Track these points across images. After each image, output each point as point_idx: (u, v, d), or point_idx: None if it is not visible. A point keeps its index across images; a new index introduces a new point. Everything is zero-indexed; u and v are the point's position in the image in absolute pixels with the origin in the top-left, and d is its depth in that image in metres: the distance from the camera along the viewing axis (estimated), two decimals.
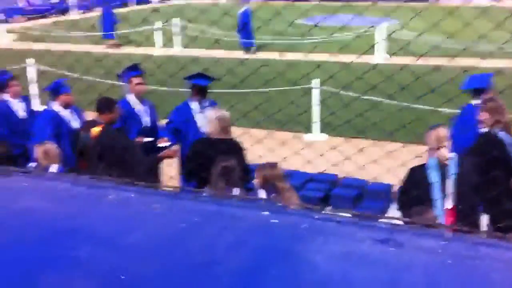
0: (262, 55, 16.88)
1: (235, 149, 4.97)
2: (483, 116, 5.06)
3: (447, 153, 4.41)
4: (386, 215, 5.43)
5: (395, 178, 4.90)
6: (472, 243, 1.81)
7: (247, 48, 17.73)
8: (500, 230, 4.04)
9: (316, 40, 16.85)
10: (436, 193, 4.33)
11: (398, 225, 1.99)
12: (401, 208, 4.63)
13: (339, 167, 6.32)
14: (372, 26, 17.10)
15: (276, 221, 2.09)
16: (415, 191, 4.22)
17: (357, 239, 1.93)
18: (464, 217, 4.08)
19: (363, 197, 5.91)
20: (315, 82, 10.03)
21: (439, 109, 7.59)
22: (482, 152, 4.65)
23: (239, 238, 2.03)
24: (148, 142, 5.69)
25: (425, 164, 4.46)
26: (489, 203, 4.51)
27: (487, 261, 1.72)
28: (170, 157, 5.55)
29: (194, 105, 5.95)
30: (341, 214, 2.20)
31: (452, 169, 4.34)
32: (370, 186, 6.06)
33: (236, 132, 5.28)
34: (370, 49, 15.77)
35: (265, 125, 7.08)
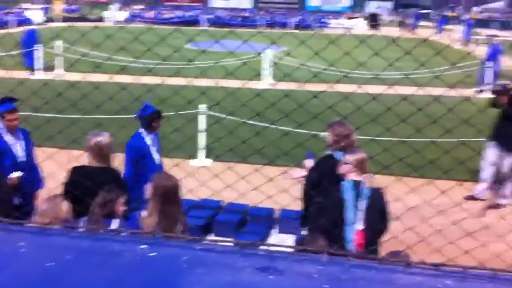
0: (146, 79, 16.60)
1: (115, 178, 4.79)
2: (328, 137, 5.33)
3: (369, 180, 4.54)
4: (269, 238, 5.54)
5: (275, 204, 4.97)
6: (348, 266, 1.85)
7: None
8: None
9: (202, 66, 16.95)
10: (349, 214, 4.41)
11: (279, 252, 1.99)
12: (310, 227, 4.69)
13: (224, 193, 6.33)
14: (259, 53, 17.55)
15: (155, 254, 2.01)
16: (329, 212, 4.31)
17: (238, 268, 1.90)
18: (376, 237, 4.26)
19: (246, 222, 5.95)
20: (202, 108, 10.06)
21: (320, 133, 7.89)
22: (319, 172, 4.88)
23: (115, 275, 1.93)
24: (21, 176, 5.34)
25: (340, 183, 4.54)
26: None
27: (363, 284, 1.76)
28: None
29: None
30: (222, 243, 2.17)
31: (365, 189, 4.47)
32: (252, 210, 6.12)
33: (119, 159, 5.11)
34: (256, 76, 16.21)
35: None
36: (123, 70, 7.83)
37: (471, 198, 8.38)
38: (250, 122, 8.50)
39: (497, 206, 8.12)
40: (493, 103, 8.23)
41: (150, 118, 6.04)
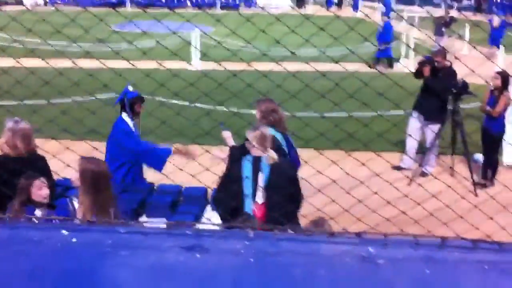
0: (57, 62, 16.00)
1: (39, 164, 4.61)
2: (258, 115, 5.48)
3: (275, 156, 4.63)
4: (203, 218, 5.52)
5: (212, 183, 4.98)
6: (275, 239, 1.85)
7: None
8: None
9: (135, 47, 16.52)
10: (247, 188, 4.49)
11: (205, 230, 1.97)
12: (216, 204, 4.77)
13: (155, 176, 6.23)
14: (184, 33, 17.27)
15: (76, 240, 1.93)
16: (230, 187, 4.37)
17: (164, 249, 1.87)
18: (276, 211, 4.27)
19: (179, 202, 5.89)
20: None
21: (242, 111, 7.91)
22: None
23: (35, 264, 1.84)
24: None
25: (241, 160, 4.64)
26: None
27: (288, 256, 1.77)
28: None
29: None
30: (148, 225, 2.12)
31: (265, 164, 4.54)
32: (185, 190, 6.07)
33: (38, 143, 4.89)
34: (183, 56, 15.96)
35: (65, 136, 6.64)
36: (32, 52, 7.50)
37: (398, 168, 8.69)
38: (174, 102, 8.38)
39: (422, 175, 8.47)
40: (417, 74, 8.52)
41: (133, 103, 5.92)
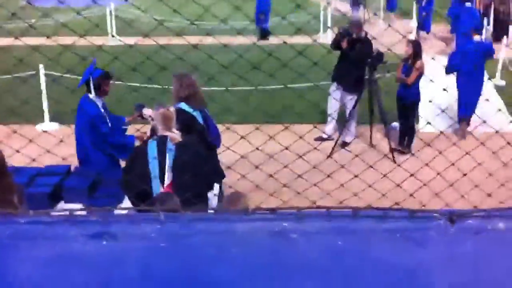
0: None
1: None
2: (173, 90, 5.41)
3: (177, 136, 4.50)
4: (125, 200, 5.34)
5: None
6: (187, 221, 1.78)
7: None
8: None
9: (36, 23, 15.65)
10: (153, 170, 4.36)
11: (112, 215, 1.87)
12: (125, 188, 4.63)
13: (73, 159, 5.98)
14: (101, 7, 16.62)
15: None
16: (137, 169, 4.24)
17: (69, 238, 1.75)
18: (183, 192, 4.16)
19: (98, 185, 5.67)
20: (41, 68, 9.34)
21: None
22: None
23: None
24: None
25: (147, 141, 4.52)
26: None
27: (201, 237, 1.71)
28: None
29: None
30: (52, 213, 1.98)
31: (170, 144, 4.43)
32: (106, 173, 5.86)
33: None
34: (99, 30, 15.36)
35: None
36: None
37: (320, 139, 8.84)
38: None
39: (343, 144, 8.66)
40: (335, 46, 8.63)
41: (100, 82, 5.62)
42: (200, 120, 5.40)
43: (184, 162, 4.30)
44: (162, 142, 4.43)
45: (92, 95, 5.72)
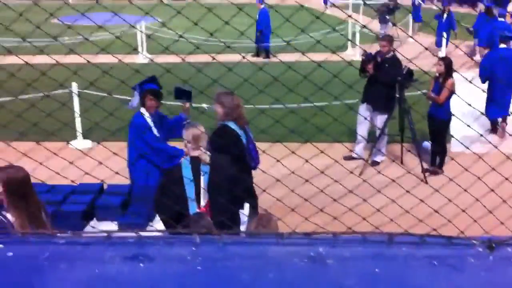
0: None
1: None
2: (217, 108, 5.39)
3: (204, 156, 4.48)
4: (156, 218, 5.37)
5: None
6: (222, 244, 1.79)
7: None
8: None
9: (71, 42, 16.03)
10: (189, 192, 4.36)
11: (148, 237, 1.89)
12: (159, 211, 4.60)
13: (107, 176, 6.03)
14: (132, 25, 16.93)
15: (11, 254, 1.82)
16: (172, 191, 4.22)
17: (106, 260, 1.77)
18: (221, 214, 4.13)
19: (129, 203, 5.73)
20: (74, 87, 9.56)
21: (204, 105, 7.82)
22: (216, 142, 4.89)
23: None
24: None
25: (180, 163, 4.51)
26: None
27: (236, 260, 1.72)
28: None
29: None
30: (88, 235, 2.02)
31: (204, 167, 4.42)
32: (136, 190, 5.91)
33: None
34: (133, 50, 15.63)
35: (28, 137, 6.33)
36: None
37: (350, 158, 8.78)
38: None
39: (373, 164, 8.59)
40: (362, 72, 8.59)
41: (143, 96, 5.98)
42: (244, 140, 5.40)
43: (218, 184, 4.29)
44: (195, 163, 4.43)
45: (142, 109, 6.04)
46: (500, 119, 9.90)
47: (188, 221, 3.78)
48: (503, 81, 9.47)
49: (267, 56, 17.21)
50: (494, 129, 9.74)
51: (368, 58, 8.40)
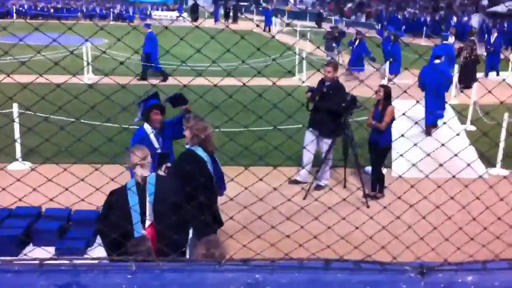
0: None
1: None
2: (186, 133, 5.32)
3: (145, 172, 4.40)
4: (95, 243, 5.23)
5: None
6: (160, 271, 1.76)
7: None
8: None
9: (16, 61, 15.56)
10: (134, 216, 4.28)
11: (83, 264, 1.83)
12: (101, 235, 4.48)
13: (43, 200, 5.83)
14: (81, 45, 16.68)
15: None
16: (115, 215, 4.13)
17: None
18: (165, 238, 4.08)
19: (68, 227, 5.56)
20: (15, 107, 9.29)
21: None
22: (181, 168, 4.84)
23: None
24: None
25: (126, 185, 4.41)
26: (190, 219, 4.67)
27: (173, 287, 1.70)
28: None
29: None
30: (19, 262, 1.94)
31: (151, 189, 4.34)
32: (75, 214, 5.75)
33: None
34: (78, 69, 15.39)
35: None
36: None
37: (295, 182, 8.87)
38: (72, 120, 8.02)
39: (317, 188, 8.70)
40: (308, 106, 8.74)
41: (148, 111, 6.07)
42: (209, 166, 5.33)
43: (164, 207, 4.26)
44: (140, 183, 4.34)
45: (146, 124, 6.17)
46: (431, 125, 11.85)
47: (127, 247, 3.70)
48: (433, 91, 11.81)
49: (165, 79, 16.89)
50: (428, 132, 11.47)
51: (312, 92, 8.55)
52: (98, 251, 4.65)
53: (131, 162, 4.42)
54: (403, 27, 36.51)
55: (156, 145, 6.12)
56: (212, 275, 1.73)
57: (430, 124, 11.81)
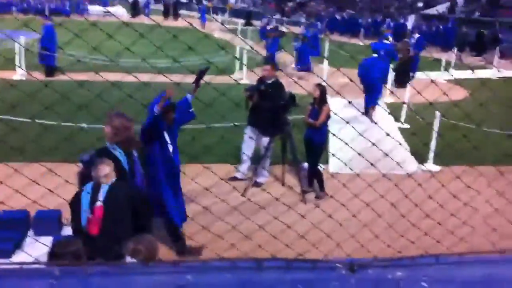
0: None
1: None
2: (107, 129, 5.23)
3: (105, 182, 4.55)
4: (24, 243, 5.01)
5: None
6: (85, 275, 1.69)
7: None
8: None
9: None
10: (83, 219, 4.40)
11: (6, 270, 1.73)
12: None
13: None
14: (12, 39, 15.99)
15: None
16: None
17: None
18: (110, 247, 4.05)
19: None
20: None
21: (94, 126, 7.52)
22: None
23: None
24: None
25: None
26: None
27: None
28: None
29: None
30: None
31: (102, 194, 4.47)
32: (4, 214, 5.50)
33: None
34: (9, 65, 14.73)
35: None
36: None
37: (234, 179, 8.84)
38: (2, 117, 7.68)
39: (256, 185, 8.71)
40: (247, 106, 8.74)
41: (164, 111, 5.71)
42: (124, 164, 5.21)
43: (121, 202, 4.42)
44: (96, 187, 4.49)
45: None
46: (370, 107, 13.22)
47: (54, 248, 3.57)
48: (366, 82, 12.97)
49: (51, 74, 15.98)
50: (366, 113, 12.83)
51: (251, 91, 8.56)
52: (31, 251, 4.47)
53: (97, 174, 4.52)
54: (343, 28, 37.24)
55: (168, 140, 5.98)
56: (140, 278, 1.68)
57: (369, 106, 13.14)
